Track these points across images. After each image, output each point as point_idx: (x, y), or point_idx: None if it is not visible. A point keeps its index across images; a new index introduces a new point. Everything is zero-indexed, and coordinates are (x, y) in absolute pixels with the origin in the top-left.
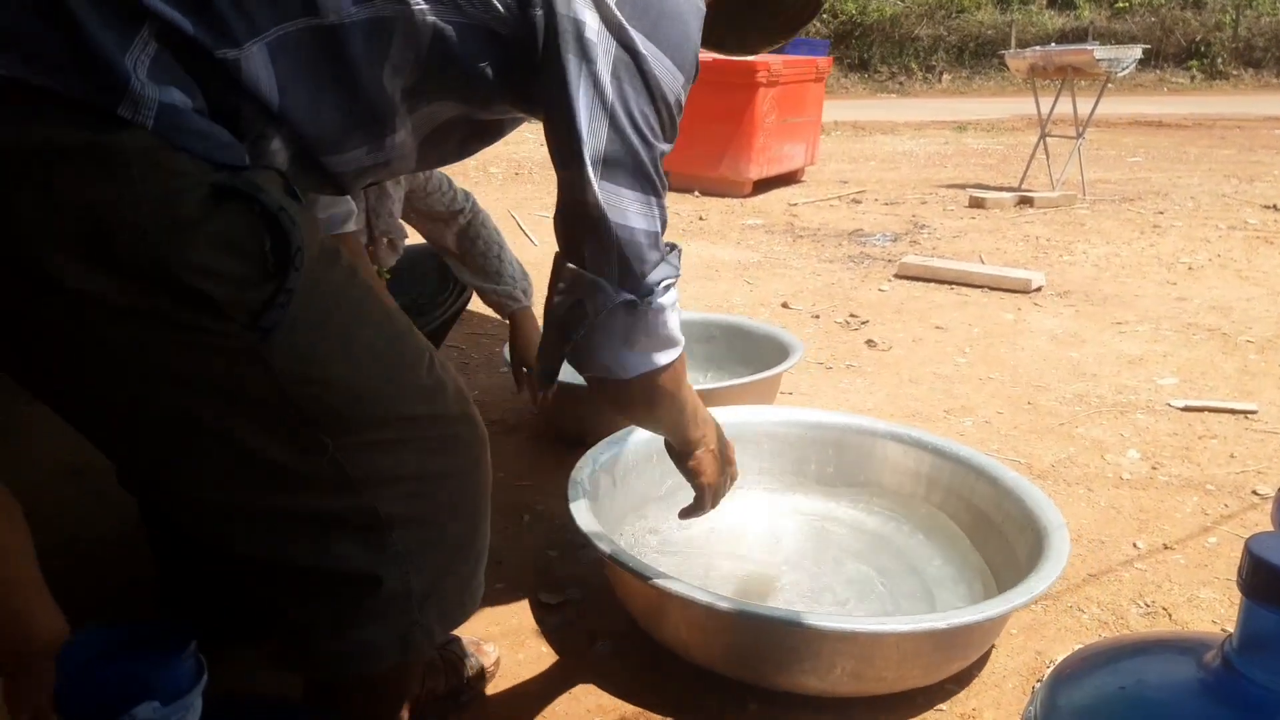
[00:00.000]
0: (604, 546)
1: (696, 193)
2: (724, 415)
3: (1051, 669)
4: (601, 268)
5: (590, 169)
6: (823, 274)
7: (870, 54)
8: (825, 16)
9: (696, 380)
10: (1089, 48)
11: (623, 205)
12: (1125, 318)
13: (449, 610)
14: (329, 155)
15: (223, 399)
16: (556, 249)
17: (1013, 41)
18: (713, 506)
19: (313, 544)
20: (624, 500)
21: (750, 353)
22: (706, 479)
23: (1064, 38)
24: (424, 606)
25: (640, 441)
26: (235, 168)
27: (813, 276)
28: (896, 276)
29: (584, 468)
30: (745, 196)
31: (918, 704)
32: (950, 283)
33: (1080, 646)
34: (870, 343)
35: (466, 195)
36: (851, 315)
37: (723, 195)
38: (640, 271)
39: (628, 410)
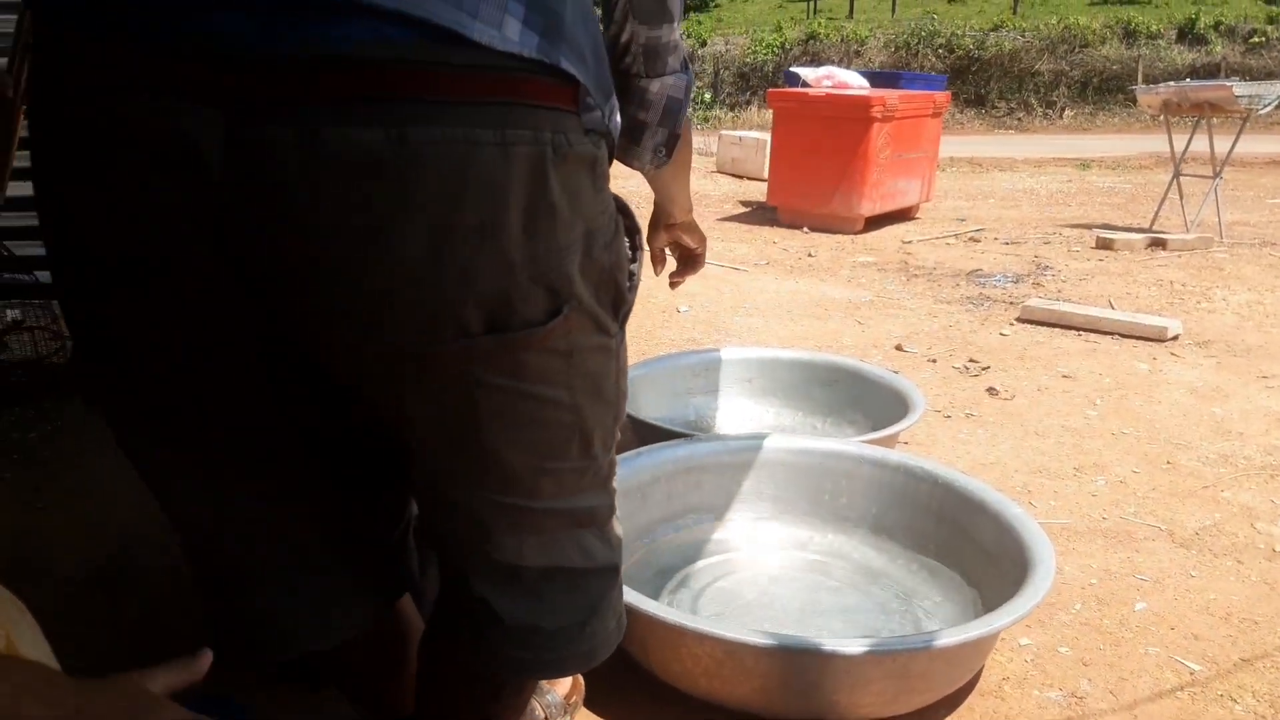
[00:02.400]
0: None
1: (806, 229)
2: (733, 442)
3: None
4: (680, 64)
5: None
6: (939, 315)
7: (988, 89)
8: (941, 51)
9: (815, 427)
10: (1228, 84)
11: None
12: (1273, 371)
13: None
14: None
15: (595, 399)
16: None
17: (1139, 77)
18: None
19: (577, 543)
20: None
21: (869, 401)
22: (700, 235)
23: (1195, 73)
24: (622, 589)
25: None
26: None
27: (929, 318)
28: (1019, 320)
29: None
30: (857, 233)
31: None
32: (1078, 328)
33: None
34: (991, 390)
35: None
36: (971, 360)
37: (833, 232)
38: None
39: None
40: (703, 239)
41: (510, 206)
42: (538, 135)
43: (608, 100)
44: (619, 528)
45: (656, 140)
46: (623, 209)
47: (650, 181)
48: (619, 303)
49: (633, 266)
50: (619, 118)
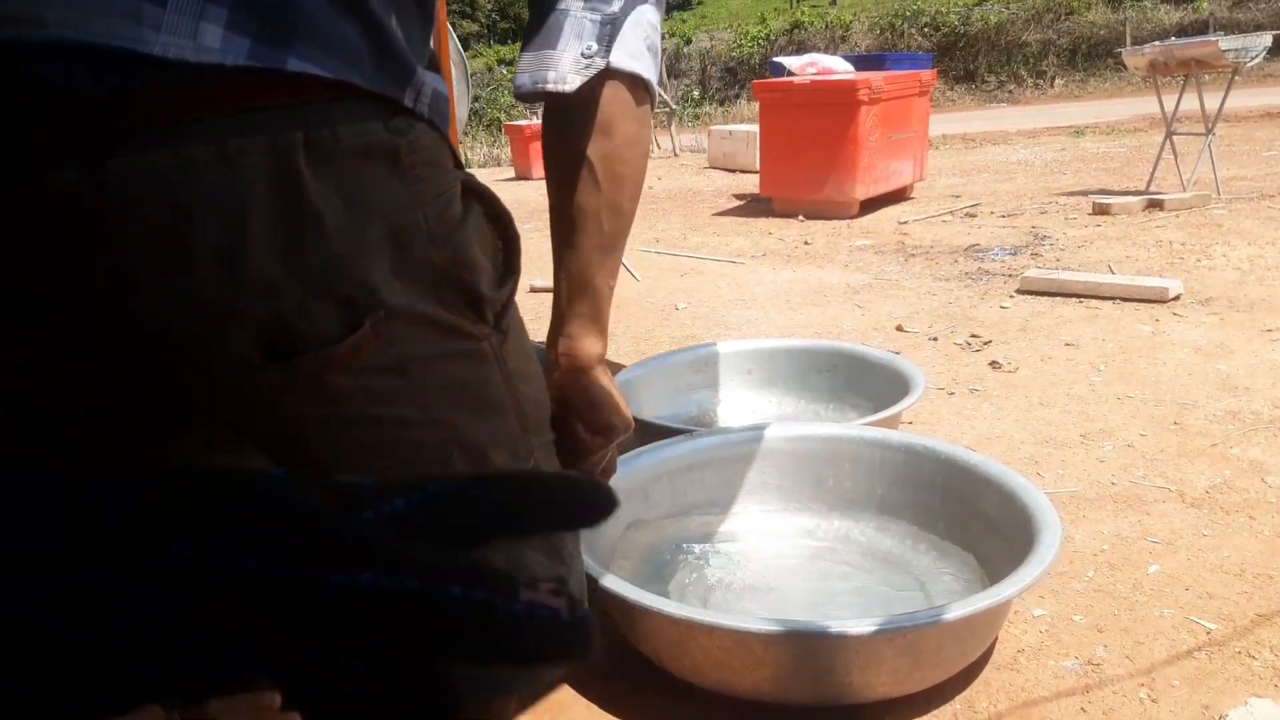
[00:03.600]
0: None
1: (801, 217)
2: (733, 435)
3: None
4: None
5: None
6: (938, 293)
7: (977, 64)
8: (928, 29)
9: (818, 413)
10: (1213, 39)
11: None
12: (1276, 324)
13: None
14: None
15: (473, 410)
16: None
17: (1127, 40)
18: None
19: (509, 555)
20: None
21: (870, 384)
22: (613, 408)
23: (1183, 32)
24: (584, 599)
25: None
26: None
27: (928, 296)
28: (1019, 292)
29: None
30: (852, 217)
31: None
32: (1078, 296)
33: (1254, 700)
34: (994, 364)
35: None
36: (972, 336)
37: (829, 218)
38: None
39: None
40: (623, 422)
41: (251, 222)
42: (278, 139)
43: (409, 81)
44: (570, 543)
45: (587, 41)
46: (477, 193)
47: (556, 268)
48: (477, 301)
49: (501, 259)
50: (440, 87)
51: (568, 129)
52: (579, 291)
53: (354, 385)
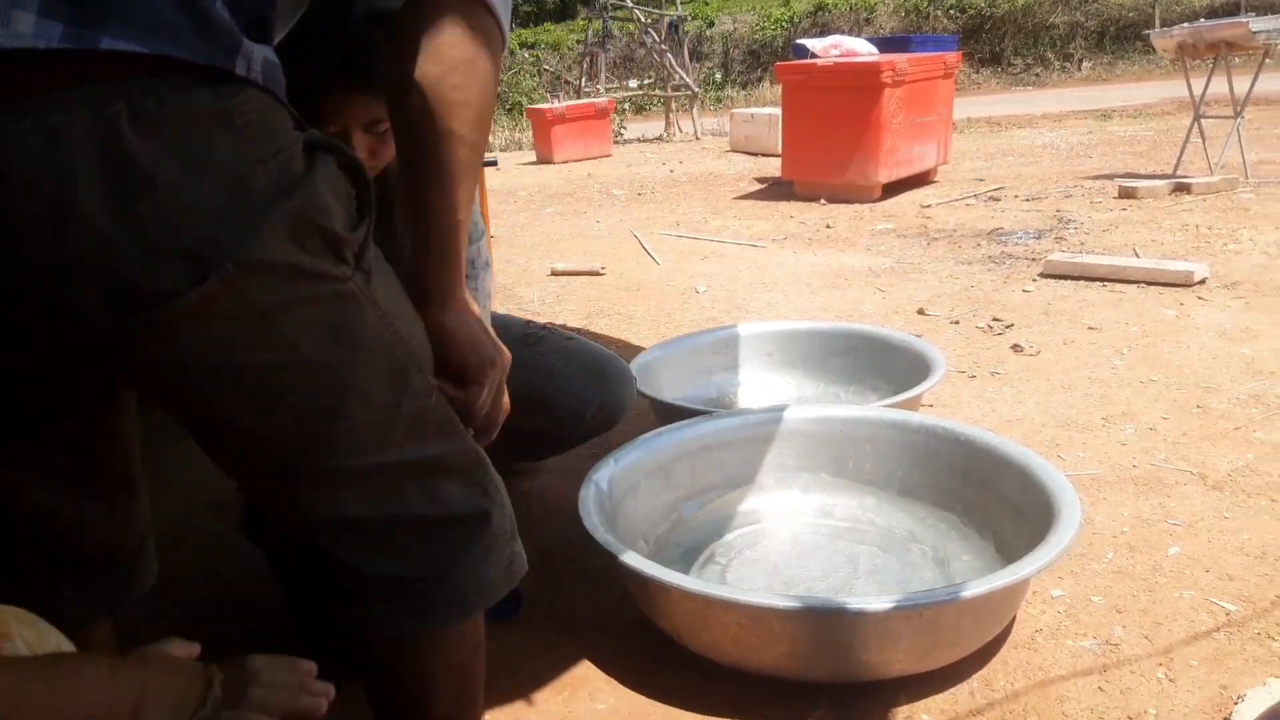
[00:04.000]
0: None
1: (823, 200)
2: (753, 416)
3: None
4: None
5: None
6: (961, 277)
7: (1003, 47)
8: (953, 12)
9: (838, 395)
10: (1243, 20)
11: None
12: None
13: (520, 538)
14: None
15: (350, 349)
16: None
17: (1156, 22)
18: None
19: (426, 492)
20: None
21: (890, 366)
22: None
23: (1213, 13)
24: (514, 537)
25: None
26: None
27: (950, 280)
28: (1042, 275)
29: (588, 488)
30: (875, 201)
31: None
32: (1102, 279)
33: (1273, 681)
34: (1016, 348)
35: None
36: (994, 319)
37: (851, 201)
38: None
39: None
40: (479, 360)
41: (79, 187)
42: (100, 111)
43: (238, 50)
44: (492, 474)
45: None
46: (325, 147)
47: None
48: (336, 243)
49: (354, 204)
50: (271, 56)
51: (399, 53)
52: (421, 221)
53: (210, 335)
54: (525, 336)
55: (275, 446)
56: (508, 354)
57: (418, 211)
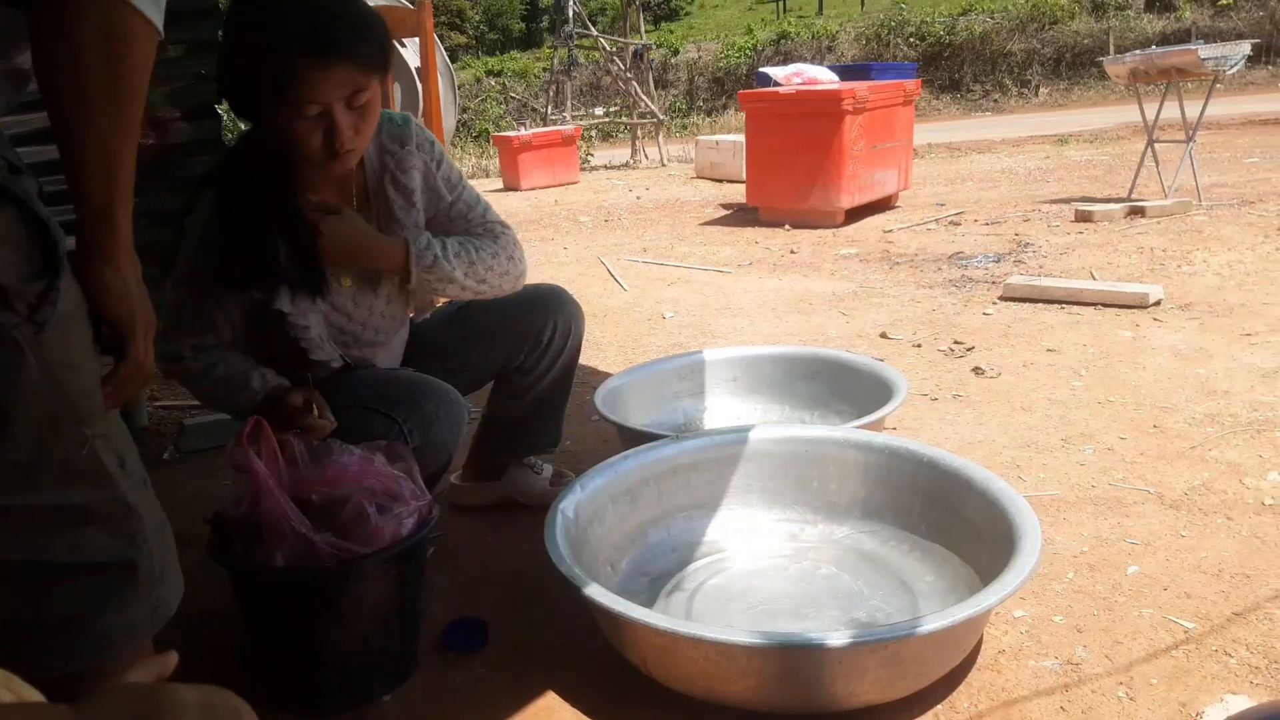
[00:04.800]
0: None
1: (787, 226)
2: (719, 438)
3: None
4: None
5: None
6: (922, 301)
7: (961, 74)
8: (913, 40)
9: (803, 419)
10: (1193, 48)
11: None
12: (1255, 328)
13: (177, 585)
14: None
15: (5, 391)
16: None
17: (1110, 49)
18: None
19: (70, 538)
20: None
21: (853, 390)
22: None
23: (1165, 40)
24: (162, 581)
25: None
26: (12, 166)
27: (912, 304)
28: (1001, 299)
29: (553, 517)
30: (838, 226)
31: None
32: (1060, 302)
33: (1230, 697)
34: (977, 370)
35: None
36: (955, 342)
37: (814, 227)
38: None
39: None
40: (121, 317)
41: None
42: None
43: None
44: (141, 524)
45: None
46: (13, 198)
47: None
48: (2, 292)
49: (40, 259)
50: None
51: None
52: (79, 183)
53: None
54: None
55: None
56: (154, 317)
57: (75, 174)
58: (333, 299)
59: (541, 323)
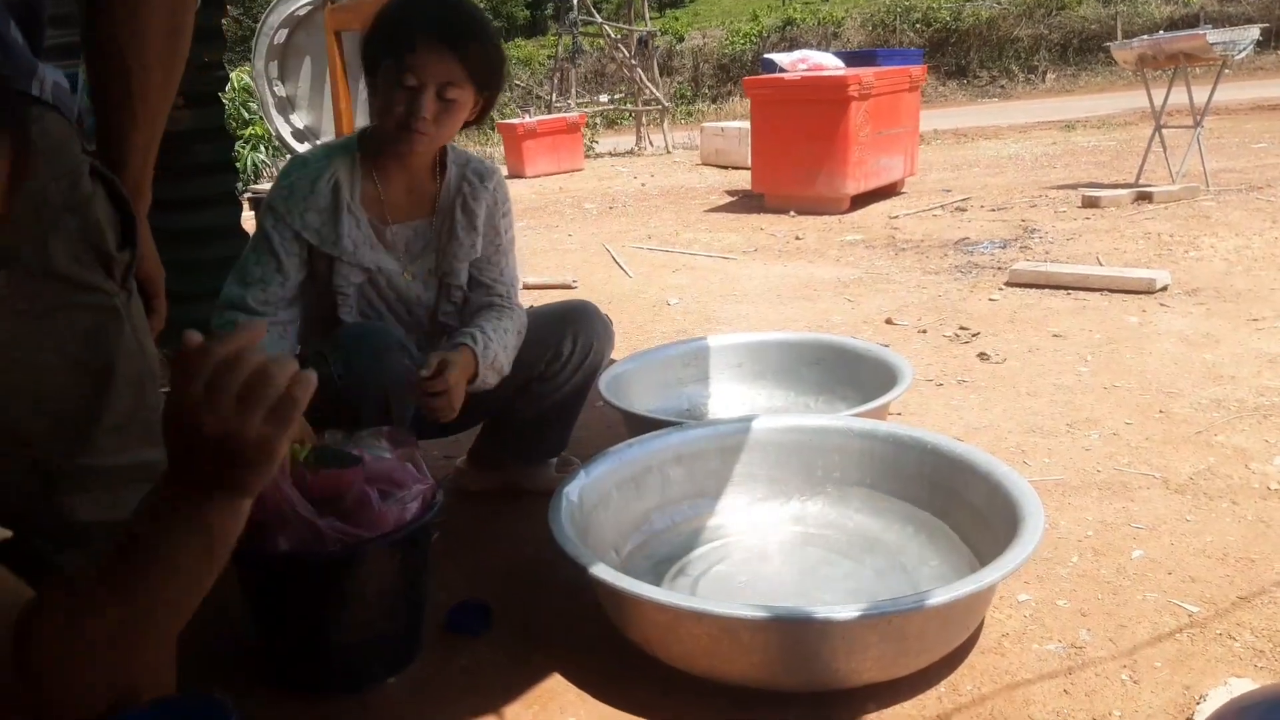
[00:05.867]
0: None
1: (792, 212)
2: (723, 426)
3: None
4: None
5: None
6: (928, 287)
7: (968, 59)
8: (919, 25)
9: (808, 405)
10: (1201, 32)
11: None
12: (1262, 314)
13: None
14: None
15: (106, 357)
16: None
17: (1119, 34)
18: None
19: (140, 496)
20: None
21: (858, 376)
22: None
23: (1173, 25)
24: None
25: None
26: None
27: (917, 290)
28: (1008, 285)
29: (558, 501)
30: (843, 213)
31: None
32: (1066, 288)
33: (1234, 680)
34: (982, 356)
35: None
36: (961, 328)
37: (820, 213)
38: None
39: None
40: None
41: None
42: None
43: (34, 72)
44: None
45: None
46: (102, 176)
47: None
48: (108, 261)
49: (120, 232)
50: (60, 79)
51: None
52: (126, 141)
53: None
54: None
55: (32, 443)
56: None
57: (118, 140)
58: (389, 276)
59: (562, 334)
